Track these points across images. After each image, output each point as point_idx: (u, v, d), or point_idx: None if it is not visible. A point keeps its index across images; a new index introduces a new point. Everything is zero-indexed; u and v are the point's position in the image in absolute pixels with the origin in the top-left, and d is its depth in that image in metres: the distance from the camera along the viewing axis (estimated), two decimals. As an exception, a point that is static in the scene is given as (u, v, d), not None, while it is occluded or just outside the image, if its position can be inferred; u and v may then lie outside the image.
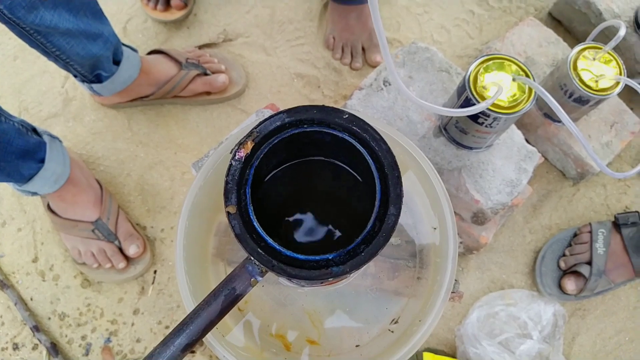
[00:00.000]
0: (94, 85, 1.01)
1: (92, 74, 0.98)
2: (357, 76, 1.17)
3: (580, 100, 0.89)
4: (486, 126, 0.80)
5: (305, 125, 0.47)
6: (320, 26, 1.22)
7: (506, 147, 0.89)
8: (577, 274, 1.01)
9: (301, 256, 0.44)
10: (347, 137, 0.47)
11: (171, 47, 1.17)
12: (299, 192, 0.57)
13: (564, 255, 1.04)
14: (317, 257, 0.44)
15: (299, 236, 0.54)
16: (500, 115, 0.77)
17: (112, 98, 1.09)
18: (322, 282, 0.52)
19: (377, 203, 0.45)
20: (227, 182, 0.44)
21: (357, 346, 0.61)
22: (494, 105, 0.77)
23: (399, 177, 0.44)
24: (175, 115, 1.14)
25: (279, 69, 1.18)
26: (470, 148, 0.88)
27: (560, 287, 1.02)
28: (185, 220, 0.57)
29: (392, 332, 0.60)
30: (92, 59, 0.93)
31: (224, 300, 0.45)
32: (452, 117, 0.86)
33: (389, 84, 0.92)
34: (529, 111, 0.86)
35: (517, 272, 1.04)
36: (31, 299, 1.04)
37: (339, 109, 0.47)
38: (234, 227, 0.43)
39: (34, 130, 0.92)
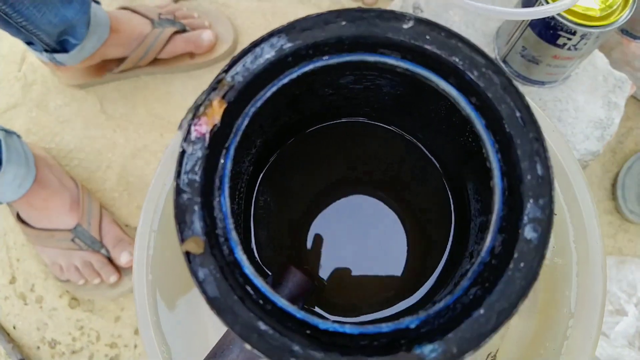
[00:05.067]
0: (58, 56, 0.76)
1: (57, 42, 0.73)
2: (371, 14, 0.90)
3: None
4: (569, 48, 0.54)
5: (326, 55, 0.22)
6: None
7: (588, 76, 0.63)
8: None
9: (348, 329, 0.20)
10: (417, 70, 0.21)
11: (139, 4, 0.91)
12: (323, 191, 0.33)
13: None
14: (384, 329, 0.19)
15: (326, 273, 0.31)
16: (592, 30, 0.50)
17: (79, 73, 0.84)
18: None
19: (497, 198, 0.20)
20: (178, 191, 0.20)
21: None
22: (580, 15, 0.51)
23: (541, 144, 0.19)
24: (155, 88, 0.88)
25: (275, 17, 0.91)
26: (542, 83, 0.62)
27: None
28: (146, 244, 0.33)
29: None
30: (64, 25, 0.69)
31: None
32: (515, 45, 0.60)
33: (421, 11, 0.66)
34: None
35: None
36: (14, 328, 0.82)
37: (389, 12, 0.21)
38: (203, 284, 0.19)
39: (-18, 127, 0.69)
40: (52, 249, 0.79)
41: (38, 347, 0.81)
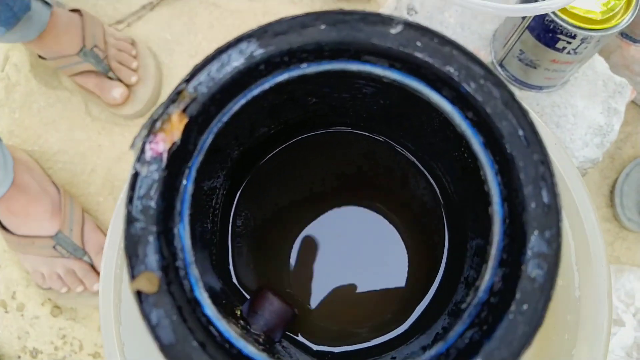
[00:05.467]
0: None
1: None
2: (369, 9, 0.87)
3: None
4: (569, 52, 0.51)
5: (303, 63, 0.19)
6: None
7: (587, 81, 0.61)
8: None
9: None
10: (407, 81, 0.19)
11: (100, 14, 0.88)
12: (307, 205, 0.31)
13: None
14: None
15: (312, 296, 0.28)
16: (593, 33, 0.48)
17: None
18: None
19: (497, 228, 0.17)
20: (130, 219, 0.17)
21: None
22: (581, 18, 0.49)
23: (547, 167, 0.17)
24: (143, 90, 0.86)
25: (267, 16, 0.88)
26: (540, 88, 0.59)
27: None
28: (113, 265, 0.30)
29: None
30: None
31: None
32: (512, 48, 0.57)
33: (415, 12, 0.63)
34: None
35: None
36: (-6, 337, 0.79)
37: (375, 15, 0.18)
38: (156, 329, 0.16)
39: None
40: (33, 256, 0.76)
41: (19, 357, 0.78)
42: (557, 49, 0.50)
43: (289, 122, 0.29)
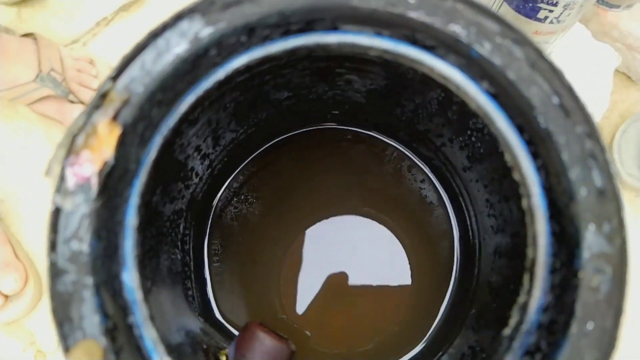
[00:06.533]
0: None
1: None
2: None
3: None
4: (551, 22, 0.48)
5: (266, 40, 0.15)
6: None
7: (571, 52, 0.58)
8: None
9: None
10: (401, 50, 0.14)
11: (53, 35, 0.81)
12: (293, 220, 0.26)
13: None
14: None
15: (309, 321, 0.24)
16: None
17: None
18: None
19: (541, 228, 0.13)
20: (55, 272, 0.12)
21: None
22: (560, -16, 0.45)
23: (597, 141, 0.13)
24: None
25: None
26: (524, 63, 0.56)
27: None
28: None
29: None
30: None
31: None
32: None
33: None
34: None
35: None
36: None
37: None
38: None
39: None
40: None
41: (2, 411, 0.71)
42: (539, 19, 0.47)
43: (260, 124, 0.24)
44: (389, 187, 0.28)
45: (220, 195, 0.27)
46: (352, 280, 0.27)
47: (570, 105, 0.13)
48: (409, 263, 0.27)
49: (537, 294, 0.13)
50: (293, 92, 0.22)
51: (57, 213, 0.13)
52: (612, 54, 0.58)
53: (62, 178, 0.13)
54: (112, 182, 0.13)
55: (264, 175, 0.28)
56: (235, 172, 0.27)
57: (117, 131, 0.13)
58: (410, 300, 0.26)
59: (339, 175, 0.28)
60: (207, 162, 0.23)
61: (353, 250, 0.28)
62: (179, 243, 0.23)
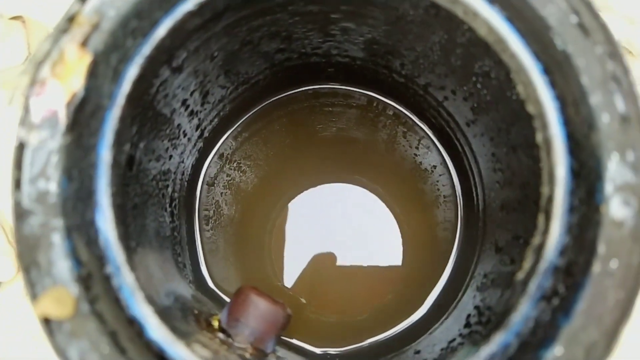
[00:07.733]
0: None
1: None
2: None
3: None
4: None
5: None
6: None
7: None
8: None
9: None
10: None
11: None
12: (288, 182, 0.25)
13: None
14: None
15: (305, 287, 0.23)
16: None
17: None
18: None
19: (560, 160, 0.12)
20: (20, 213, 0.11)
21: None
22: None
23: (620, 62, 0.11)
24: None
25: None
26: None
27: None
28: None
29: None
30: None
31: None
32: None
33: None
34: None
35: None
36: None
37: None
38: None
39: None
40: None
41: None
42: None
43: (251, 81, 0.23)
44: (388, 152, 0.27)
45: (210, 161, 0.26)
46: (349, 248, 0.26)
47: (590, 23, 0.12)
48: (409, 228, 0.26)
49: (554, 232, 0.11)
50: (285, 43, 0.21)
51: (21, 148, 0.11)
52: (614, 28, 0.57)
53: (26, 110, 0.11)
54: (84, 118, 0.12)
55: (257, 142, 0.26)
56: (226, 136, 0.26)
57: (87, 59, 0.12)
58: (411, 266, 0.25)
59: (335, 140, 0.27)
60: (195, 120, 0.22)
61: (347, 220, 0.26)
62: (167, 206, 0.22)
